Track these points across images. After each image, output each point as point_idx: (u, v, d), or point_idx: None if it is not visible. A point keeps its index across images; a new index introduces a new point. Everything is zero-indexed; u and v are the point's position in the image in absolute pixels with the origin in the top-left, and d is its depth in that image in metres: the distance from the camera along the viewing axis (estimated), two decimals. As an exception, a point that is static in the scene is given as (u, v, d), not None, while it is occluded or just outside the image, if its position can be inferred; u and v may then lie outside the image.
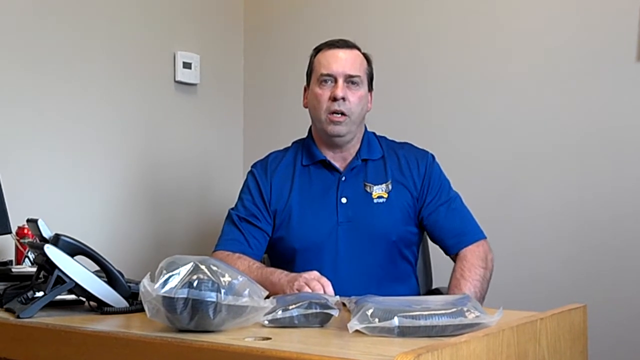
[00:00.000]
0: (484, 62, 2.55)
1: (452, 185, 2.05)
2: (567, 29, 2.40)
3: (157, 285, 1.23)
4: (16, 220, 1.93)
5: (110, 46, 2.56)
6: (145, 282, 1.24)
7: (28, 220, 1.63)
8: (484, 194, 2.46)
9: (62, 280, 1.48)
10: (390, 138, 2.11)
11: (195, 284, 1.23)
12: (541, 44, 2.44)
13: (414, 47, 2.69)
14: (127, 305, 1.54)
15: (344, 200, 1.98)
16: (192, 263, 1.26)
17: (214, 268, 1.26)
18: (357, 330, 1.23)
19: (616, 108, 2.31)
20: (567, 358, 1.41)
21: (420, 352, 0.98)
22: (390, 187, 1.98)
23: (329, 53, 1.98)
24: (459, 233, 1.95)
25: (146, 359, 1.22)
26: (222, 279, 1.25)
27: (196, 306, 1.22)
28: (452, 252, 1.95)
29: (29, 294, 1.50)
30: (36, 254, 1.56)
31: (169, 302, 1.22)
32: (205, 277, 1.24)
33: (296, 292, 1.64)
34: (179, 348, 1.18)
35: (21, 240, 1.99)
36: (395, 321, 1.21)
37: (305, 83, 2.06)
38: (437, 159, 2.06)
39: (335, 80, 1.95)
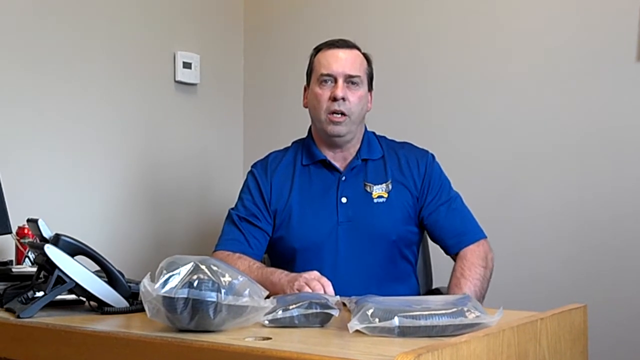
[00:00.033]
0: (484, 62, 2.55)
1: (452, 185, 2.05)
2: (567, 29, 2.40)
3: (157, 285, 1.23)
4: (16, 220, 1.93)
5: (110, 46, 2.56)
6: (146, 282, 1.24)
7: (28, 220, 1.63)
8: (484, 194, 2.46)
9: (63, 280, 1.48)
10: (390, 138, 2.11)
11: (195, 284, 1.23)
12: (541, 44, 2.44)
13: (414, 47, 2.69)
14: (128, 305, 1.54)
15: (344, 200, 1.98)
16: (192, 263, 1.26)
17: (214, 268, 1.26)
18: (357, 330, 1.23)
19: (616, 108, 2.31)
20: (567, 358, 1.41)
21: (420, 352, 0.98)
22: (390, 186, 1.98)
23: (329, 53, 1.98)
24: (459, 233, 1.95)
25: (146, 359, 1.22)
26: (222, 279, 1.25)
27: (196, 306, 1.22)
28: (453, 252, 1.95)
29: (29, 293, 1.50)
30: (36, 253, 1.56)
31: (169, 302, 1.22)
32: (206, 277, 1.24)
33: (296, 292, 1.64)
34: (179, 348, 1.18)
35: (21, 240, 1.99)
36: (396, 321, 1.21)
37: (305, 83, 2.06)
38: (437, 159, 2.06)
39: (335, 80, 1.95)
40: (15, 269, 1.83)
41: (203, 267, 1.25)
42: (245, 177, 2.11)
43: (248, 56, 3.07)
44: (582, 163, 2.36)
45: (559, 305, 1.46)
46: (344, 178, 2.00)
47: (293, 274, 1.74)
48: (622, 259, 2.28)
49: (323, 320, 1.36)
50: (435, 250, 2.14)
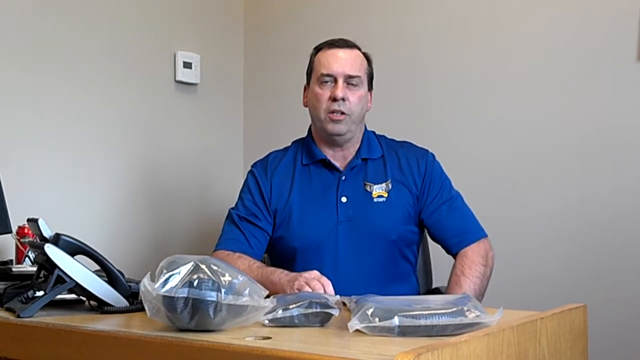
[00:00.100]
0: (484, 62, 2.55)
1: (452, 184, 2.05)
2: (567, 29, 2.40)
3: (157, 285, 1.23)
4: (16, 220, 1.93)
5: (110, 46, 2.56)
6: (146, 281, 1.24)
7: (28, 220, 1.63)
8: (484, 194, 2.46)
9: (63, 280, 1.48)
10: (390, 137, 2.11)
11: (195, 283, 1.23)
12: (541, 44, 2.44)
13: (414, 47, 2.69)
14: (128, 304, 1.54)
15: (344, 199, 1.98)
16: (192, 262, 1.26)
17: (214, 267, 1.26)
18: (357, 330, 1.23)
19: (616, 108, 2.31)
20: (567, 358, 1.41)
21: (420, 352, 0.98)
22: (390, 186, 1.98)
23: (329, 53, 1.98)
24: (460, 232, 1.96)
25: (146, 358, 1.22)
26: (222, 278, 1.25)
27: (196, 305, 1.22)
28: (454, 251, 1.95)
29: (30, 293, 1.50)
30: (36, 253, 1.56)
31: (169, 301, 1.22)
32: (206, 277, 1.24)
33: (296, 291, 1.64)
34: (180, 347, 1.18)
35: (21, 240, 1.99)
36: (396, 321, 1.21)
37: (305, 82, 2.06)
38: (437, 158, 2.06)
39: (335, 80, 1.95)
40: (16, 268, 1.83)
41: (203, 266, 1.25)
42: (245, 177, 2.11)
43: (248, 56, 3.07)
44: (582, 163, 2.36)
45: (559, 305, 1.46)
46: (343, 177, 2.00)
47: (293, 274, 1.74)
48: (622, 259, 2.28)
49: (323, 319, 1.36)
50: (435, 249, 2.14)
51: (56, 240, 1.50)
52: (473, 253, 1.92)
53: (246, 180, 2.08)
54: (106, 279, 1.54)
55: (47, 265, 1.50)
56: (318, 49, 2.02)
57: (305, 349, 1.10)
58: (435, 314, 1.22)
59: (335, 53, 1.98)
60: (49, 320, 1.42)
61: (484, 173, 2.53)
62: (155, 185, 2.72)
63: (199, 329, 1.25)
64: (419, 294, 2.06)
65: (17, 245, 2.01)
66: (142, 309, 1.29)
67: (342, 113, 1.94)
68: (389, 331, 1.22)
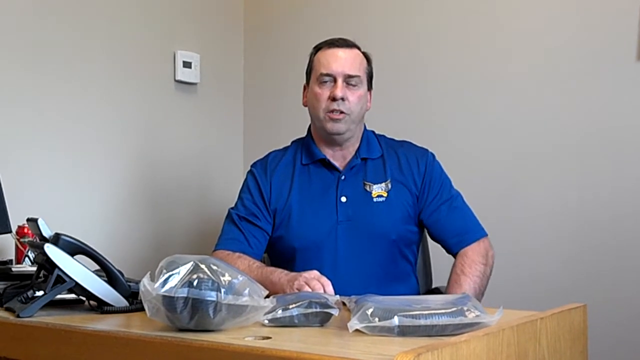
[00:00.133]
0: (484, 62, 2.55)
1: (452, 184, 2.05)
2: (567, 29, 2.40)
3: (157, 285, 1.23)
4: (16, 220, 1.93)
5: (110, 46, 2.56)
6: (145, 281, 1.24)
7: (28, 220, 1.63)
8: (484, 194, 2.46)
9: (62, 280, 1.48)
10: (389, 136, 2.11)
11: (195, 283, 1.22)
12: (541, 44, 2.44)
13: (414, 47, 2.69)
14: (127, 304, 1.54)
15: (343, 199, 1.98)
16: (192, 262, 1.26)
17: (214, 267, 1.26)
18: (357, 330, 1.23)
19: (616, 108, 2.31)
20: (567, 358, 1.41)
21: (420, 352, 0.98)
22: (389, 186, 1.98)
23: (329, 52, 1.98)
24: (460, 232, 1.96)
25: (146, 358, 1.22)
26: (222, 278, 1.25)
27: (196, 305, 1.22)
28: (454, 251, 1.95)
29: (29, 293, 1.50)
30: (36, 253, 1.56)
31: (169, 301, 1.22)
32: (205, 277, 1.24)
33: (296, 291, 1.64)
34: (179, 347, 1.18)
35: (21, 240, 1.99)
36: (395, 320, 1.21)
37: (304, 82, 2.06)
38: (437, 158, 2.06)
39: (335, 80, 1.95)
40: (15, 268, 1.83)
41: (203, 266, 1.25)
42: (245, 177, 2.11)
43: (248, 56, 3.07)
44: (582, 163, 2.36)
45: (558, 304, 1.46)
46: (343, 177, 2.00)
47: (293, 274, 1.74)
48: (622, 259, 2.28)
49: (323, 319, 1.36)
50: (435, 249, 2.14)
51: (56, 240, 1.50)
52: (473, 252, 1.92)
53: (246, 180, 2.08)
54: (106, 279, 1.54)
55: (46, 265, 1.50)
56: (318, 49, 2.02)
57: (305, 349, 1.10)
58: (435, 314, 1.22)
59: (334, 52, 1.98)
60: (49, 320, 1.42)
61: (484, 173, 2.53)
62: (155, 185, 2.72)
63: (198, 328, 1.25)
64: (418, 293, 2.06)
65: (16, 245, 2.01)
66: (142, 309, 1.29)
67: (342, 112, 1.94)
68: (388, 331, 1.22)
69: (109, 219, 2.55)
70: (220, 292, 1.23)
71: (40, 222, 1.56)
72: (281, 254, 2.01)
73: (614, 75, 2.32)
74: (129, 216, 2.61)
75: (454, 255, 1.96)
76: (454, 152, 2.49)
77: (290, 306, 1.34)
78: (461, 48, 2.59)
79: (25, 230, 2.00)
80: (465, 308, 1.23)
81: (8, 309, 1.52)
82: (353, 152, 2.02)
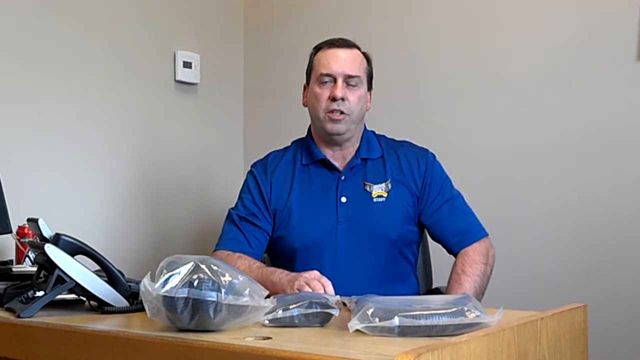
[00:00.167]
0: (484, 62, 2.55)
1: (453, 183, 2.05)
2: (567, 29, 2.40)
3: (157, 285, 1.23)
4: (16, 220, 1.93)
5: (110, 46, 2.56)
6: (146, 281, 1.24)
7: (28, 220, 1.63)
8: (484, 194, 2.46)
9: (63, 280, 1.48)
10: (390, 136, 2.11)
11: (195, 283, 1.22)
12: (541, 44, 2.44)
13: (414, 47, 2.69)
14: (128, 304, 1.54)
15: (343, 199, 1.98)
16: (192, 262, 1.26)
17: (215, 267, 1.26)
18: (357, 330, 1.23)
19: (616, 108, 2.31)
20: (567, 358, 1.41)
21: (420, 352, 0.98)
22: (389, 186, 1.98)
23: (329, 52, 1.98)
24: (461, 232, 1.96)
25: (147, 358, 1.22)
26: (222, 278, 1.25)
27: (197, 306, 1.22)
28: (455, 251, 1.95)
29: (30, 293, 1.50)
30: (37, 253, 1.56)
31: (169, 301, 1.22)
32: (206, 277, 1.24)
33: (296, 291, 1.64)
34: (180, 347, 1.18)
35: (22, 240, 1.99)
36: (396, 321, 1.21)
37: (304, 82, 2.06)
38: (437, 158, 2.06)
39: (335, 80, 1.95)
40: (16, 268, 1.83)
41: (203, 266, 1.25)
42: (245, 177, 2.11)
43: (248, 56, 3.07)
44: (582, 163, 2.36)
45: (559, 305, 1.46)
46: (343, 177, 2.00)
47: (293, 274, 1.74)
48: (622, 259, 2.28)
49: (323, 319, 1.36)
50: (435, 249, 2.14)
51: (56, 240, 1.50)
52: (474, 252, 1.92)
53: (246, 180, 2.08)
54: (106, 279, 1.54)
55: (47, 265, 1.50)
56: (318, 49, 2.02)
57: (306, 349, 1.10)
58: (435, 314, 1.22)
59: (334, 53, 1.98)
60: (49, 320, 1.42)
61: (484, 173, 2.53)
62: (155, 185, 2.72)
63: (199, 329, 1.25)
64: (419, 294, 2.06)
65: (17, 246, 2.01)
66: (142, 309, 1.29)
67: (342, 113, 1.94)
68: (389, 331, 1.22)
69: (109, 219, 2.55)
70: (221, 293, 1.23)
71: (40, 222, 1.56)
72: (281, 254, 2.01)
73: (614, 75, 2.32)
74: (129, 216, 2.61)
75: (455, 255, 1.96)
76: (454, 152, 2.49)
77: (291, 306, 1.34)
78: (461, 48, 2.59)
79: (26, 230, 2.00)
80: (465, 308, 1.24)
81: (8, 309, 1.52)
82: (353, 153, 2.02)
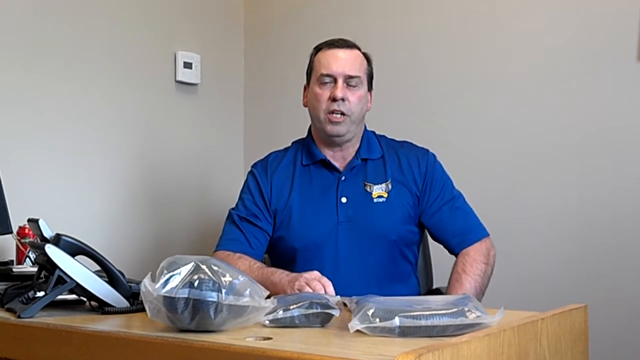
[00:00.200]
0: (484, 62, 2.55)
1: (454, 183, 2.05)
2: (567, 29, 2.40)
3: (158, 285, 1.23)
4: (17, 220, 1.93)
5: (110, 46, 2.56)
6: (146, 282, 1.24)
7: (29, 220, 1.63)
8: (484, 194, 2.46)
9: (63, 280, 1.48)
10: (390, 137, 2.11)
11: (196, 283, 1.23)
12: (541, 44, 2.44)
13: (414, 47, 2.69)
14: (128, 305, 1.54)
15: (344, 199, 1.98)
16: (193, 263, 1.26)
17: (215, 268, 1.26)
18: (358, 330, 1.23)
19: (616, 108, 2.32)
20: (568, 358, 1.41)
21: (421, 352, 0.98)
22: (390, 186, 1.98)
23: (329, 53, 1.98)
24: (462, 232, 1.96)
25: (147, 358, 1.22)
26: (223, 278, 1.25)
27: (197, 306, 1.22)
28: (457, 251, 1.95)
29: (30, 293, 1.50)
30: (37, 253, 1.56)
31: (169, 302, 1.22)
32: (206, 277, 1.24)
33: (297, 292, 1.65)
34: (180, 348, 1.18)
35: (22, 240, 1.99)
36: (396, 321, 1.21)
37: (305, 82, 2.06)
38: (437, 158, 2.06)
39: (335, 81, 1.95)
40: (16, 269, 1.83)
41: (204, 267, 1.25)
42: (245, 177, 2.11)
43: (248, 56, 3.07)
44: (582, 163, 2.37)
45: (559, 305, 1.46)
46: (343, 178, 2.00)
47: (294, 274, 1.74)
48: (622, 259, 2.28)
49: (324, 320, 1.36)
50: (435, 250, 2.14)
51: (57, 240, 1.50)
52: (475, 251, 1.92)
53: (246, 181, 2.09)
54: (107, 280, 1.54)
55: (47, 265, 1.50)
56: (318, 49, 2.02)
57: (306, 350, 1.10)
58: (436, 315, 1.22)
59: (335, 53, 1.98)
60: (50, 320, 1.42)
61: (484, 173, 2.53)
62: (156, 185, 2.72)
63: (199, 329, 1.25)
64: (419, 294, 2.06)
65: (17, 246, 2.01)
66: (143, 310, 1.29)
67: (342, 114, 1.94)
68: (389, 332, 1.22)
69: (109, 219, 2.55)
70: (221, 293, 1.23)
71: (41, 222, 1.56)
72: (282, 255, 2.01)
73: (614, 75, 2.32)
74: (129, 216, 2.61)
75: (456, 255, 1.96)
76: (454, 152, 2.49)
77: (291, 307, 1.34)
78: (461, 48, 2.59)
79: (26, 230, 2.00)
80: (466, 309, 1.24)
81: (9, 310, 1.52)
82: (353, 153, 2.02)
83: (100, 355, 1.28)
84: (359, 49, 2.02)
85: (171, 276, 1.24)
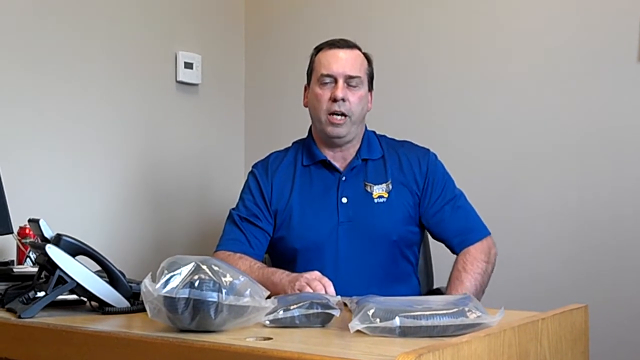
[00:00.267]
0: (484, 62, 2.55)
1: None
2: (567, 29, 2.40)
3: (158, 285, 1.23)
4: (17, 220, 1.93)
5: (111, 46, 2.56)
6: (147, 282, 1.24)
7: (29, 220, 1.63)
8: (484, 194, 2.45)
9: (64, 280, 1.48)
10: (390, 137, 2.11)
11: (196, 284, 1.23)
12: (541, 44, 2.44)
13: (414, 47, 2.69)
14: (129, 305, 1.54)
15: (344, 200, 1.98)
16: (193, 263, 1.26)
17: (215, 268, 1.26)
18: (358, 330, 1.23)
19: (616, 108, 2.32)
20: (568, 358, 1.41)
21: (421, 352, 0.98)
22: (390, 186, 1.98)
23: (330, 53, 1.98)
24: (464, 231, 1.96)
25: (147, 359, 1.22)
26: (223, 279, 1.25)
27: (197, 306, 1.22)
28: (458, 251, 1.96)
29: (31, 294, 1.50)
30: (38, 253, 1.56)
31: (170, 302, 1.22)
32: (207, 277, 1.24)
33: (297, 292, 1.64)
34: (180, 348, 1.18)
35: (23, 240, 1.99)
36: (397, 321, 1.21)
37: (305, 82, 2.06)
38: (438, 158, 2.06)
39: (336, 81, 1.95)
40: (17, 269, 1.83)
41: (204, 267, 1.25)
42: (246, 178, 2.11)
43: (249, 56, 3.07)
44: (582, 163, 2.37)
45: (559, 305, 1.46)
46: (344, 178, 2.00)
47: (294, 274, 1.74)
48: (622, 259, 2.28)
49: (324, 320, 1.36)
50: (436, 250, 2.14)
51: (57, 240, 1.50)
52: (476, 250, 1.93)
53: (247, 181, 2.09)
54: (107, 280, 1.54)
55: (48, 265, 1.50)
56: (318, 49, 2.02)
57: (306, 350, 1.10)
58: (436, 315, 1.22)
59: (335, 53, 1.98)
60: (50, 320, 1.42)
61: (484, 173, 2.53)
62: (156, 185, 2.72)
63: (200, 329, 1.25)
64: (420, 294, 2.06)
65: (18, 246, 2.01)
66: (143, 310, 1.29)
67: (343, 114, 1.94)
68: (390, 332, 1.22)
69: (110, 219, 2.55)
70: (222, 293, 1.23)
71: (41, 222, 1.56)
72: (282, 255, 2.01)
73: (614, 75, 2.32)
74: (129, 216, 2.61)
75: (457, 254, 1.96)
76: (454, 152, 2.49)
77: (292, 307, 1.34)
78: (461, 48, 2.59)
79: (27, 231, 2.00)
80: (466, 309, 1.24)
81: (9, 310, 1.52)
82: (354, 153, 2.02)
83: (101, 355, 1.28)
84: (359, 49, 2.02)
85: (172, 276, 1.24)
